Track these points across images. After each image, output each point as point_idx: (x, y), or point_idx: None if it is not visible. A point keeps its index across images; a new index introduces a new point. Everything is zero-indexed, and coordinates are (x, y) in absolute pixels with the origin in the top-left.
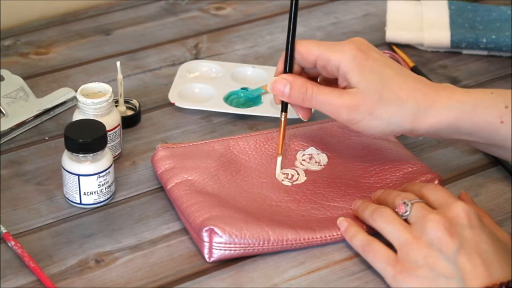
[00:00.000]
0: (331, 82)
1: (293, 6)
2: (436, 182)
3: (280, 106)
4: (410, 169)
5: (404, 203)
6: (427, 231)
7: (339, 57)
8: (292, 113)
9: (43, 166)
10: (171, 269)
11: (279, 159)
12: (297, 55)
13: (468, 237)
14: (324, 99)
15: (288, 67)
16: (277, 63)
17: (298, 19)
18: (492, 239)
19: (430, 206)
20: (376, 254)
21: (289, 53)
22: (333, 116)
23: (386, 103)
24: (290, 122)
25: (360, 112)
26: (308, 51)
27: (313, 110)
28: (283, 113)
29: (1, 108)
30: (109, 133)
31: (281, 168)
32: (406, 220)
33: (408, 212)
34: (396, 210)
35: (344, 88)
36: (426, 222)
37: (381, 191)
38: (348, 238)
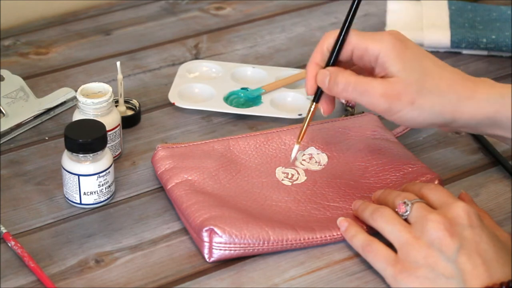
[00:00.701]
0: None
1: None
2: (436, 182)
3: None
4: (410, 169)
5: (404, 203)
6: (427, 231)
7: (378, 46)
8: (291, 113)
9: (43, 166)
10: (171, 269)
11: (296, 147)
12: (334, 43)
13: (468, 237)
14: (364, 89)
15: (332, 61)
16: (308, 61)
17: (298, 19)
18: (492, 239)
19: (430, 206)
20: (376, 254)
21: (337, 47)
22: (372, 106)
23: (427, 92)
24: (290, 122)
25: (401, 101)
26: (345, 40)
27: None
28: (314, 103)
29: (1, 108)
30: (109, 133)
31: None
32: (406, 220)
33: (408, 212)
34: (396, 210)
35: (382, 78)
36: (426, 222)
37: (381, 191)
38: (348, 238)
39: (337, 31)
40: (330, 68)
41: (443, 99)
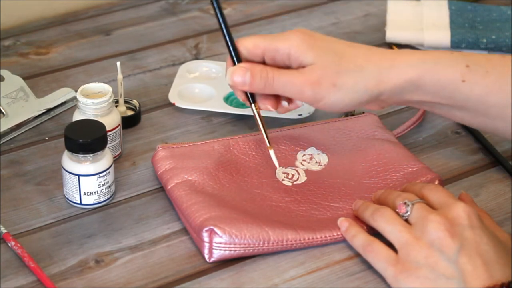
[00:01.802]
0: None
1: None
2: (436, 182)
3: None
4: (410, 169)
5: (405, 203)
6: (428, 231)
7: (287, 44)
8: (291, 113)
9: (43, 166)
10: (171, 269)
11: (272, 152)
12: (244, 51)
13: (468, 238)
14: (287, 80)
15: (237, 59)
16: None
17: (298, 19)
18: (492, 240)
19: (431, 206)
20: (377, 254)
21: (233, 46)
22: (297, 96)
23: (346, 71)
24: (290, 122)
25: (323, 85)
26: (254, 45)
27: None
28: (254, 104)
29: (1, 108)
30: (109, 133)
31: (278, 162)
32: (406, 221)
33: (408, 213)
34: (397, 210)
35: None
36: (427, 223)
37: (382, 191)
38: (348, 238)
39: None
40: (245, 65)
41: (364, 74)
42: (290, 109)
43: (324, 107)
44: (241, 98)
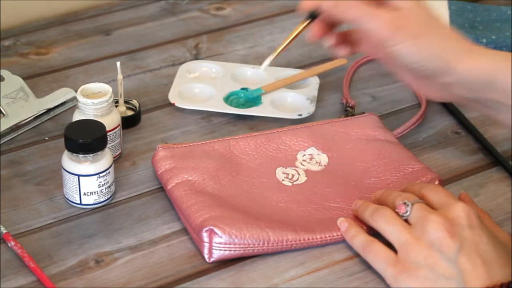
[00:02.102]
0: None
1: None
2: (436, 182)
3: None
4: (410, 169)
5: (405, 203)
6: (427, 231)
7: None
8: (291, 113)
9: (43, 166)
10: (171, 269)
11: (269, 58)
12: None
13: (468, 238)
14: (371, 10)
15: None
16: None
17: (298, 19)
18: (492, 240)
19: (430, 206)
20: (377, 254)
21: None
22: (372, 32)
23: (433, 33)
24: (290, 122)
25: (406, 32)
26: None
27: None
28: (307, 22)
29: (1, 108)
30: (109, 133)
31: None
32: (406, 221)
33: (408, 213)
34: (397, 210)
35: None
36: (426, 223)
37: (382, 191)
38: (348, 239)
39: None
40: None
41: (446, 44)
42: (344, 54)
43: (392, 53)
44: (305, 7)
